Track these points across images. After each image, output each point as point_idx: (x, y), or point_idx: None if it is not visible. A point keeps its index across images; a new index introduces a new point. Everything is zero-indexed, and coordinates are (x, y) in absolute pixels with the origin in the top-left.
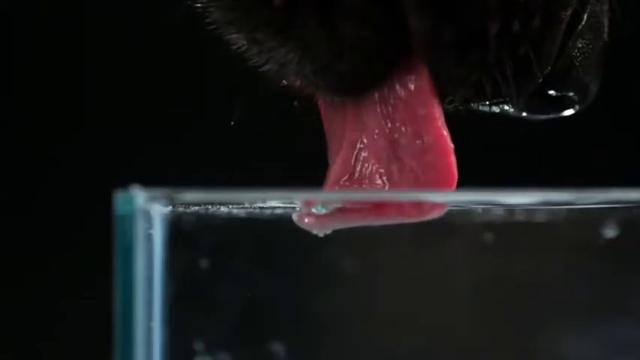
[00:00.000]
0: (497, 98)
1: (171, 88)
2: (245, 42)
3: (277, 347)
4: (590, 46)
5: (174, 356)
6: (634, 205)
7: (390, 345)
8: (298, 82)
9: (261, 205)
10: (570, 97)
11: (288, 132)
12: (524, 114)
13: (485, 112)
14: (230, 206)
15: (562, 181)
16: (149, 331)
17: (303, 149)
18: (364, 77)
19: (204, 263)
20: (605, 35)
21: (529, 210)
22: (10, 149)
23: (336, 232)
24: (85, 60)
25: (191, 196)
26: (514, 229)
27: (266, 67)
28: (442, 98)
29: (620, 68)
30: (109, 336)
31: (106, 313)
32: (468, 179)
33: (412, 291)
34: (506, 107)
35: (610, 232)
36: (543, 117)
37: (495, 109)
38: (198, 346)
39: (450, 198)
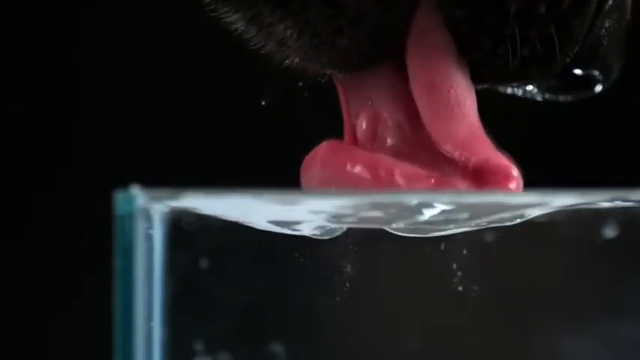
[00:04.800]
0: (523, 79)
1: (171, 89)
2: (242, 21)
3: (277, 347)
4: (616, 25)
5: (174, 356)
6: (634, 205)
7: (390, 345)
8: (299, 60)
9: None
10: (594, 76)
11: (289, 131)
12: (547, 95)
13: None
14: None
15: (562, 181)
16: (149, 331)
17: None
18: (366, 52)
19: (204, 263)
20: (629, 14)
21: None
22: (9, 148)
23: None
24: (85, 58)
25: (191, 196)
26: (514, 229)
27: (265, 49)
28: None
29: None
30: (109, 336)
31: (106, 313)
32: None
33: (412, 291)
34: (531, 88)
35: (610, 232)
36: (565, 98)
37: (520, 90)
38: (198, 346)
39: (450, 198)
